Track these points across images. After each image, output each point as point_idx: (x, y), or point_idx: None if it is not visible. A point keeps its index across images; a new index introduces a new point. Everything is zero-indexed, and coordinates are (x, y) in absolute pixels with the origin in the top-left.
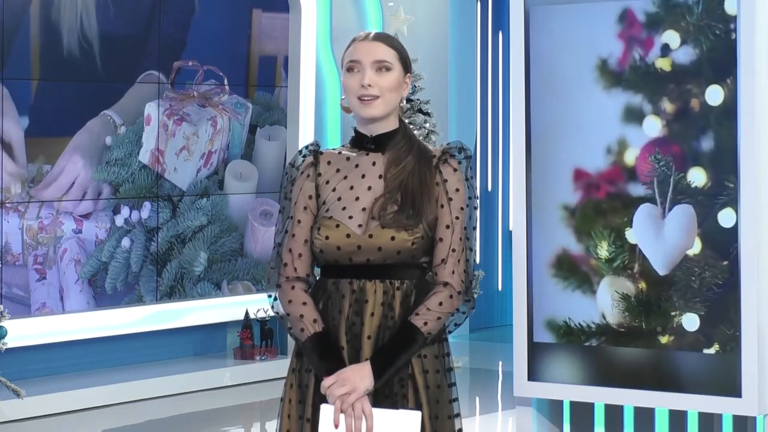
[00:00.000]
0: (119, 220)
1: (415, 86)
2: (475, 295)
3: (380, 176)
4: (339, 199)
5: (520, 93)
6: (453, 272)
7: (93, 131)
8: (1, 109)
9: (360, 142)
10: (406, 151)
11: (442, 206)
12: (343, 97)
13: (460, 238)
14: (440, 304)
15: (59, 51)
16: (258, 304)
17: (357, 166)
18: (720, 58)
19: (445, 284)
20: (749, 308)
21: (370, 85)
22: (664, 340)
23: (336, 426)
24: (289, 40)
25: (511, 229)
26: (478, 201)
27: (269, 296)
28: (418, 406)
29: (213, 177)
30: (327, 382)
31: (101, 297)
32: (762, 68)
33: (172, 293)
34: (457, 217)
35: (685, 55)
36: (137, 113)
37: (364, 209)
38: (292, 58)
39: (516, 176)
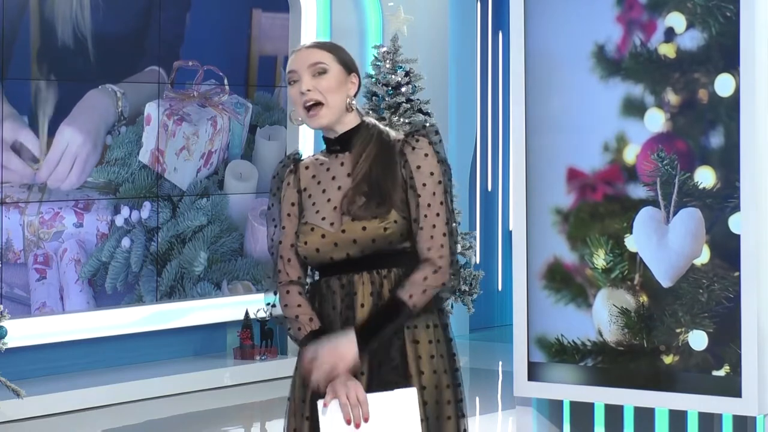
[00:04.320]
0: (119, 220)
1: (415, 86)
2: (475, 295)
3: (349, 174)
4: (313, 204)
5: (520, 88)
6: (429, 248)
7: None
8: (2, 109)
9: (328, 146)
10: (368, 140)
11: (411, 187)
12: (293, 109)
13: (425, 215)
14: (425, 279)
15: (59, 51)
16: (258, 304)
17: (328, 169)
18: (730, 44)
19: (426, 260)
20: (749, 308)
21: (309, 90)
22: (668, 360)
23: (325, 405)
24: (289, 40)
25: (511, 229)
26: (449, 169)
27: (267, 303)
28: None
29: (213, 177)
30: (306, 356)
31: (101, 297)
32: (764, 58)
33: (172, 293)
34: (419, 195)
35: (691, 39)
36: (137, 113)
37: (335, 208)
38: None
39: (516, 177)
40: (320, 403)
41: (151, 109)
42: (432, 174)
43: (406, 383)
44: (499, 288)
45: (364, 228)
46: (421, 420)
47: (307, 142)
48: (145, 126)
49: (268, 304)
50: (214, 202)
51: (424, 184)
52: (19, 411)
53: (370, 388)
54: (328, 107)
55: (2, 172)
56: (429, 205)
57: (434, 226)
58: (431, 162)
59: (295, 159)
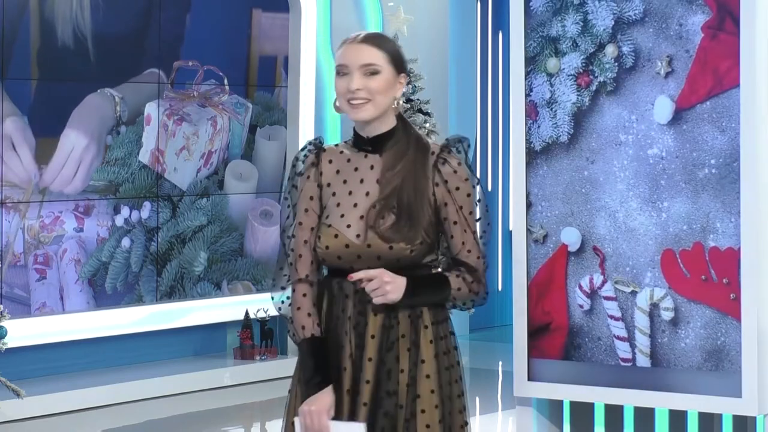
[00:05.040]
0: (119, 220)
1: (415, 86)
2: None
3: (378, 181)
4: (338, 205)
5: (521, 90)
6: (473, 268)
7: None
8: (2, 109)
9: (359, 143)
10: (405, 146)
11: (445, 204)
12: (336, 97)
13: (474, 232)
14: (472, 286)
15: (59, 51)
16: (258, 304)
17: (356, 169)
18: None
19: (473, 270)
20: (749, 307)
21: (358, 89)
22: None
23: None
24: (289, 40)
25: (511, 229)
26: (481, 194)
27: (272, 298)
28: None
29: (213, 177)
30: (367, 277)
31: (101, 297)
32: (763, 69)
33: (172, 293)
34: (461, 207)
35: None
36: (137, 113)
37: (361, 217)
38: (292, 58)
39: (516, 176)
40: (296, 420)
41: (151, 109)
42: (469, 195)
43: (414, 391)
44: (499, 288)
45: (390, 248)
46: (438, 421)
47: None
48: (145, 126)
49: (272, 297)
50: (214, 202)
51: (462, 206)
52: (19, 411)
53: (376, 396)
54: (374, 104)
55: (2, 172)
56: (469, 225)
57: (475, 246)
58: (469, 185)
59: (318, 147)
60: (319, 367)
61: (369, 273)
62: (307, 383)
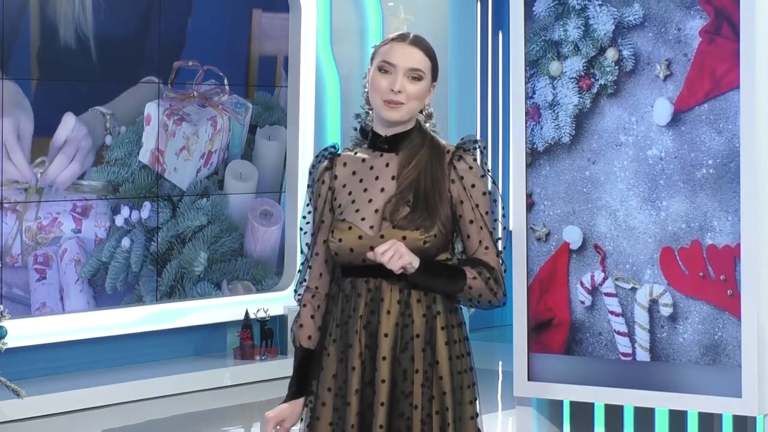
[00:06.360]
0: (119, 220)
1: None
2: None
3: (393, 177)
4: (353, 201)
5: (521, 90)
6: (492, 267)
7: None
8: (1, 109)
9: (374, 142)
10: (419, 145)
11: (461, 202)
12: (366, 90)
13: (482, 236)
14: (488, 280)
15: (59, 51)
16: (258, 304)
17: (372, 168)
18: None
19: (492, 269)
20: (749, 307)
21: (399, 91)
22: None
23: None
24: (289, 40)
25: (511, 228)
26: (498, 193)
27: (296, 296)
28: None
29: (213, 177)
30: (380, 248)
31: (101, 297)
32: (762, 71)
33: (172, 293)
34: (477, 205)
35: None
36: (137, 113)
37: (376, 211)
38: (292, 58)
39: (516, 176)
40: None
41: (151, 109)
42: (484, 194)
43: (429, 392)
44: None
45: (404, 237)
46: (447, 424)
47: (306, 141)
48: (145, 126)
49: (297, 295)
50: (214, 202)
51: (477, 205)
52: (19, 411)
53: (392, 397)
54: (408, 108)
55: (2, 172)
56: (485, 224)
57: (492, 245)
58: (484, 183)
59: (332, 153)
60: (299, 377)
61: (381, 246)
62: (288, 387)
